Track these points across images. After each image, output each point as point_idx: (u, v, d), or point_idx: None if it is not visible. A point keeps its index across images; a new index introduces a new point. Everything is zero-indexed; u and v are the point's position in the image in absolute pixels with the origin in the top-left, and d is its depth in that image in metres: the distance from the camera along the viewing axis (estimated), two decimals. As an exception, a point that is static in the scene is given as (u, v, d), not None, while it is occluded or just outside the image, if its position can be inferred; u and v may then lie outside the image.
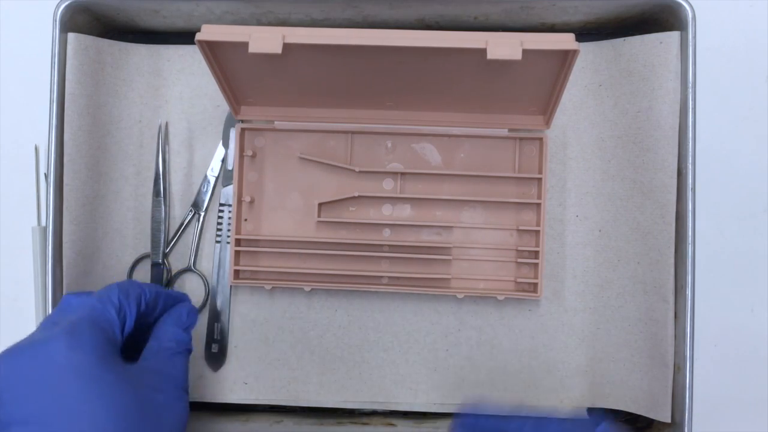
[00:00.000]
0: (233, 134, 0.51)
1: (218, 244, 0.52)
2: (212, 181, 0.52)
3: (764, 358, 0.54)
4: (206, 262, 0.52)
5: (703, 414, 0.51)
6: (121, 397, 0.38)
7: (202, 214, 0.52)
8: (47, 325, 0.40)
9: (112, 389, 0.37)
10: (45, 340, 0.38)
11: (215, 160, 0.52)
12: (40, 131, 0.54)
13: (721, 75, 0.54)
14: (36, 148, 0.55)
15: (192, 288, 0.52)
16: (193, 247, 0.52)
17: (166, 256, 0.52)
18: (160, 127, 0.52)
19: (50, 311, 0.48)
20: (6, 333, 0.55)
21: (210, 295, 0.52)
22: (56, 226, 0.49)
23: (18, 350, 0.38)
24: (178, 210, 0.52)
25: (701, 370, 0.48)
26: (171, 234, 0.52)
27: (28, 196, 0.55)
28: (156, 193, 0.51)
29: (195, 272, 0.52)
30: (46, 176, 0.49)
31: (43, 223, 0.54)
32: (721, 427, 0.53)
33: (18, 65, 0.56)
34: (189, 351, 0.45)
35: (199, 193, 0.52)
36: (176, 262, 0.52)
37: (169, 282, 0.52)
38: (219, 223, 0.52)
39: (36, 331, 0.40)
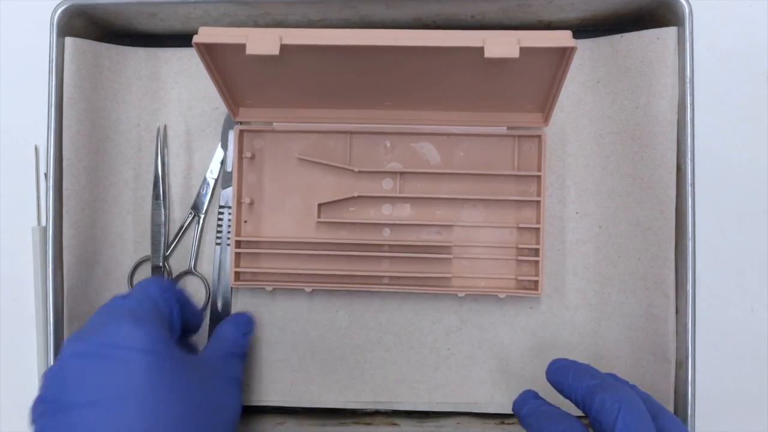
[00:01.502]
0: (232, 136, 0.51)
1: (218, 246, 0.52)
2: (211, 183, 0.52)
3: (764, 358, 0.54)
4: (206, 264, 0.52)
5: (704, 413, 0.51)
6: (184, 380, 0.39)
7: (202, 216, 0.52)
8: (104, 312, 0.41)
9: (175, 371, 0.39)
10: (108, 324, 0.39)
11: (214, 162, 0.52)
12: (39, 134, 0.54)
13: (721, 74, 0.54)
14: (36, 148, 0.55)
15: (193, 290, 0.52)
16: (194, 250, 0.52)
17: (166, 258, 0.52)
18: (158, 129, 0.52)
19: (51, 314, 0.48)
20: (6, 333, 0.55)
21: (211, 297, 0.52)
22: (56, 230, 0.49)
23: (82, 335, 0.39)
24: (178, 213, 0.52)
25: (701, 369, 0.48)
26: (171, 237, 0.52)
27: (28, 196, 0.55)
28: (155, 196, 0.51)
29: (195, 274, 0.52)
30: (46, 176, 0.49)
31: (43, 223, 0.54)
32: (722, 427, 0.53)
33: (16, 69, 0.56)
34: (245, 355, 0.48)
35: (198, 195, 0.52)
36: (176, 265, 0.52)
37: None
38: (219, 225, 0.52)
39: (94, 317, 0.41)
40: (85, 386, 0.37)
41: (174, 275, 0.52)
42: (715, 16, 0.53)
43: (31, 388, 0.54)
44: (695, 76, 0.47)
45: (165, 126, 0.52)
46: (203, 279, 0.52)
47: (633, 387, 0.41)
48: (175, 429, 0.38)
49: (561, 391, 0.42)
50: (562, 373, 0.42)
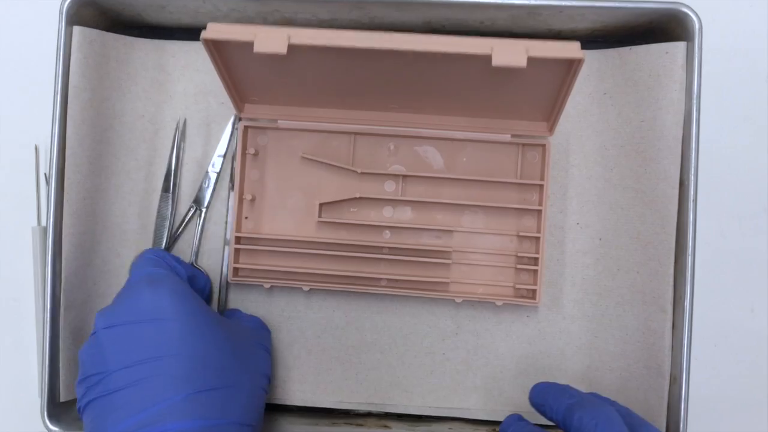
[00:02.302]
0: (226, 133, 0.51)
1: (227, 247, 0.51)
2: (213, 177, 0.52)
3: (764, 358, 0.54)
4: (206, 258, 0.52)
5: (702, 414, 0.52)
6: (216, 328, 0.41)
7: (204, 210, 0.52)
8: (124, 288, 0.43)
9: (205, 320, 0.41)
10: (131, 294, 0.41)
11: (216, 155, 0.52)
12: (40, 130, 0.54)
13: (721, 74, 0.54)
14: (36, 149, 0.55)
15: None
16: (195, 244, 0.51)
17: (167, 251, 0.51)
18: (177, 124, 0.52)
19: (49, 308, 0.48)
20: (6, 333, 0.55)
21: (210, 293, 0.52)
22: (57, 217, 0.48)
23: (109, 308, 0.41)
24: (179, 206, 0.52)
25: (701, 370, 0.48)
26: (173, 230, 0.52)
27: (28, 196, 0.55)
28: (165, 188, 0.51)
29: (198, 269, 0.51)
30: (46, 176, 0.49)
31: (43, 223, 0.54)
32: (721, 427, 0.53)
33: (20, 62, 0.56)
34: (269, 331, 0.50)
35: (200, 189, 0.52)
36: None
37: None
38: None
39: (117, 295, 0.43)
40: (122, 352, 0.39)
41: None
42: (715, 16, 0.53)
43: (31, 388, 0.54)
44: (701, 89, 0.47)
45: (185, 120, 0.52)
46: (205, 273, 0.51)
47: (613, 403, 0.42)
48: (214, 375, 0.39)
49: (543, 413, 0.43)
50: (542, 395, 0.43)
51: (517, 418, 0.44)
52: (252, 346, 0.45)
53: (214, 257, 0.52)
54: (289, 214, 0.52)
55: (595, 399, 0.42)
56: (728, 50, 0.55)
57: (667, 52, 0.48)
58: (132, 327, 0.39)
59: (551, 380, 0.50)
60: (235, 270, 0.50)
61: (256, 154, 0.51)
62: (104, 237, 0.51)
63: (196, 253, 0.52)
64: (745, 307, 0.54)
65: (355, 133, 0.51)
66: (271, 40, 0.39)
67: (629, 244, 0.50)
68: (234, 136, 0.52)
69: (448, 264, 0.51)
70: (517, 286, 0.50)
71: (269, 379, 0.46)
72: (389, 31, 0.40)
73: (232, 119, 0.52)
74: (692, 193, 0.47)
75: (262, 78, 0.46)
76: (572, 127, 0.51)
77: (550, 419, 0.42)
